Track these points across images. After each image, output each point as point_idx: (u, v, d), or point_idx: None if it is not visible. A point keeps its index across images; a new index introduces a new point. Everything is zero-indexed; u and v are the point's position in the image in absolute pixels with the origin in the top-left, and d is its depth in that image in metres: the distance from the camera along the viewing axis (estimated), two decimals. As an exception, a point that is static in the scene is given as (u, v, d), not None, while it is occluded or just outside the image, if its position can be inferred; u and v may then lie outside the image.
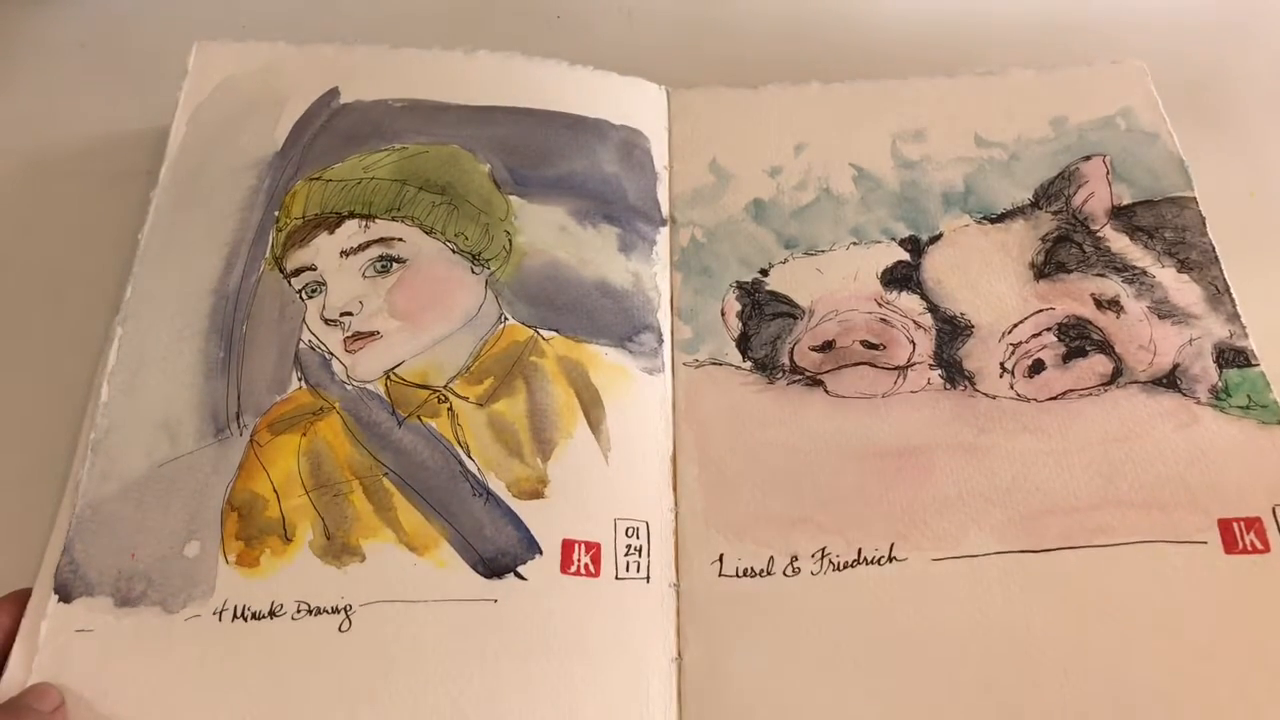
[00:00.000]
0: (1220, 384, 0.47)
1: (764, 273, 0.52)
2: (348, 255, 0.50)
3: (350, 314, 0.49)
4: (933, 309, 0.51)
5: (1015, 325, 0.50)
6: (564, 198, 0.53)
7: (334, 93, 0.55)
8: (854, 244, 0.53)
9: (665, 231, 0.54)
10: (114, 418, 0.46)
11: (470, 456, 0.46)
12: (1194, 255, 0.51)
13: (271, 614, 0.42)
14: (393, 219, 0.51)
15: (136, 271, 0.50)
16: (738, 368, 0.50)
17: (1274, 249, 0.55)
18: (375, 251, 0.50)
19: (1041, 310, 0.50)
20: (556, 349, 0.49)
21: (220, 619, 0.42)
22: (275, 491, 0.45)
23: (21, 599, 0.42)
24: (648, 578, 0.44)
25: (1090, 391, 0.48)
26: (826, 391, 0.49)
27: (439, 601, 0.43)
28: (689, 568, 0.45)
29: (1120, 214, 0.53)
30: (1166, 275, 0.51)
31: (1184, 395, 0.47)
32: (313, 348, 0.48)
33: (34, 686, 0.40)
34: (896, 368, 0.49)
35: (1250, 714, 0.40)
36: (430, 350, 0.48)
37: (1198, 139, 0.56)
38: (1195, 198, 0.53)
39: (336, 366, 0.48)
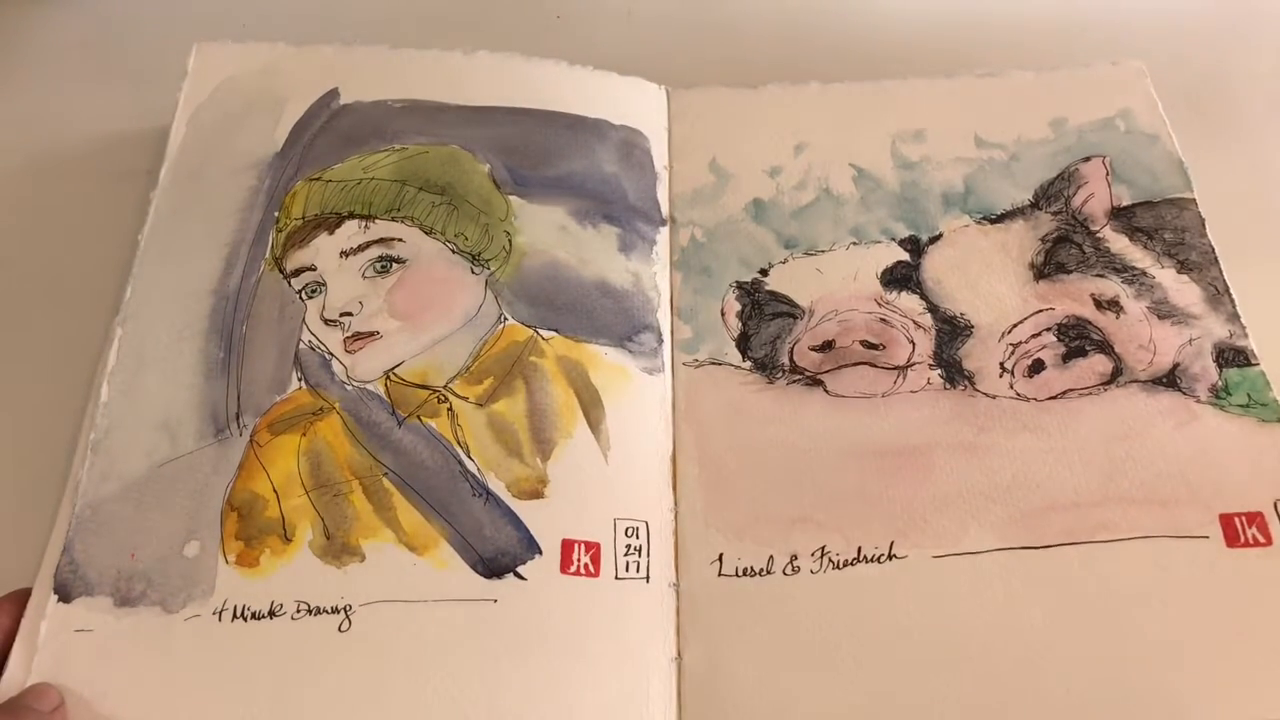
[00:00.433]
0: (1220, 383, 0.48)
1: (764, 273, 0.52)
2: (347, 255, 0.50)
3: (350, 314, 0.49)
4: (932, 309, 0.51)
5: (1015, 325, 0.50)
6: (564, 198, 0.53)
7: (334, 93, 0.55)
8: (854, 244, 0.53)
9: (665, 231, 0.54)
10: (114, 418, 0.46)
11: (470, 456, 0.46)
12: (1193, 256, 0.51)
13: (271, 614, 0.42)
14: (392, 219, 0.51)
15: (136, 272, 0.50)
16: (737, 367, 0.50)
17: (1274, 249, 0.55)
18: (375, 252, 0.50)
19: (1041, 310, 0.50)
20: (556, 349, 0.49)
21: (220, 619, 0.42)
22: (275, 491, 0.45)
23: (21, 599, 0.42)
24: (647, 578, 0.44)
25: (1090, 391, 0.48)
26: (826, 391, 0.49)
27: (439, 601, 0.43)
28: (688, 567, 0.45)
29: (1120, 215, 0.53)
30: (1166, 276, 0.51)
31: (1184, 394, 0.47)
32: (313, 348, 0.48)
33: (33, 686, 0.40)
34: (896, 367, 0.49)
35: (1255, 706, 0.40)
36: (430, 350, 0.48)
37: (1198, 140, 0.56)
38: (1195, 199, 0.53)
39: (336, 367, 0.48)
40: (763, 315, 0.51)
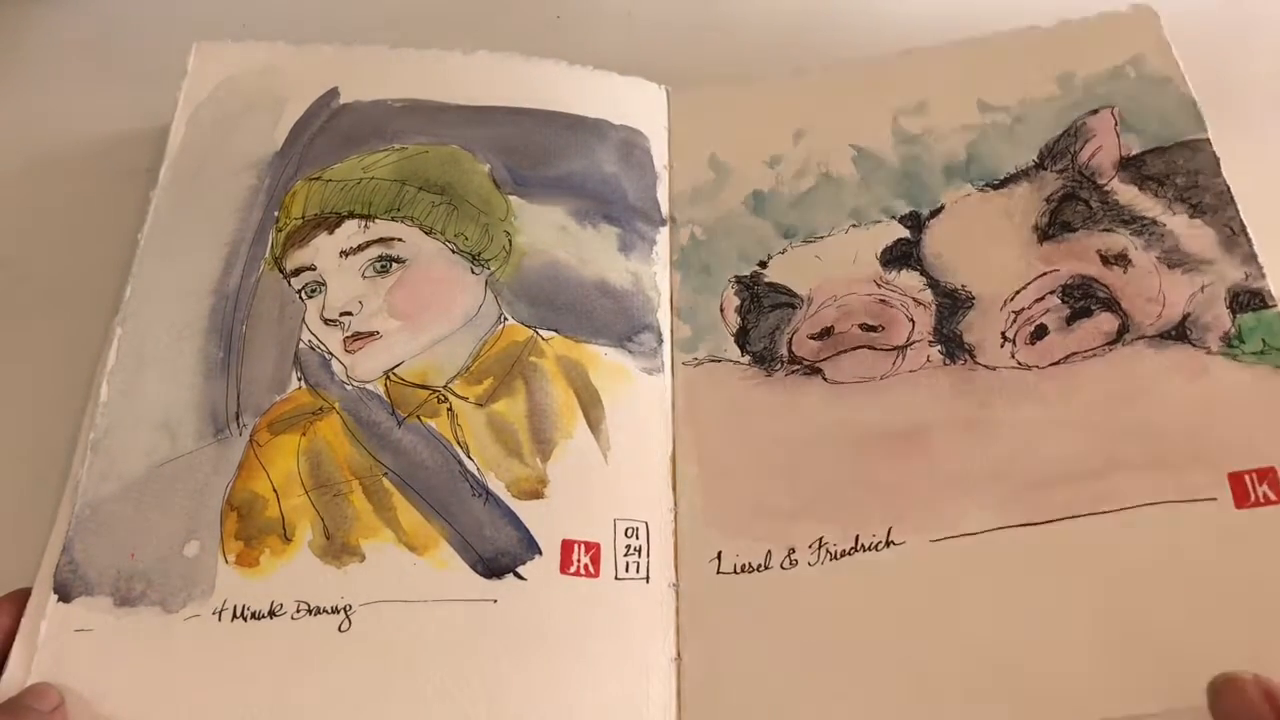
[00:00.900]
0: (1233, 329, 0.45)
1: (763, 265, 0.52)
2: (347, 255, 0.50)
3: (350, 314, 0.49)
4: (933, 284, 0.50)
5: (1018, 292, 0.48)
6: (564, 198, 0.53)
7: (333, 93, 0.55)
8: (853, 226, 0.52)
9: (665, 231, 0.54)
10: (113, 418, 0.46)
11: (470, 456, 0.46)
12: (1207, 199, 0.49)
13: (271, 614, 0.42)
14: (392, 219, 0.51)
15: (136, 271, 0.50)
16: (736, 363, 0.50)
17: (1275, 249, 0.55)
18: (375, 251, 0.50)
19: (1045, 273, 0.48)
20: (556, 349, 0.49)
21: (220, 619, 0.42)
22: (275, 491, 0.45)
23: (21, 599, 0.42)
24: (647, 578, 0.44)
25: (1094, 352, 0.46)
26: (825, 379, 0.48)
27: (439, 601, 0.43)
28: (688, 567, 0.45)
29: (1129, 165, 0.50)
30: (1178, 222, 0.48)
31: (1193, 346, 0.45)
32: (312, 348, 0.48)
33: (33, 686, 0.40)
34: (895, 348, 0.48)
35: (1271, 668, 0.38)
36: (430, 350, 0.48)
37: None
38: (1209, 139, 0.50)
39: (336, 366, 0.48)
40: (761, 308, 0.51)
